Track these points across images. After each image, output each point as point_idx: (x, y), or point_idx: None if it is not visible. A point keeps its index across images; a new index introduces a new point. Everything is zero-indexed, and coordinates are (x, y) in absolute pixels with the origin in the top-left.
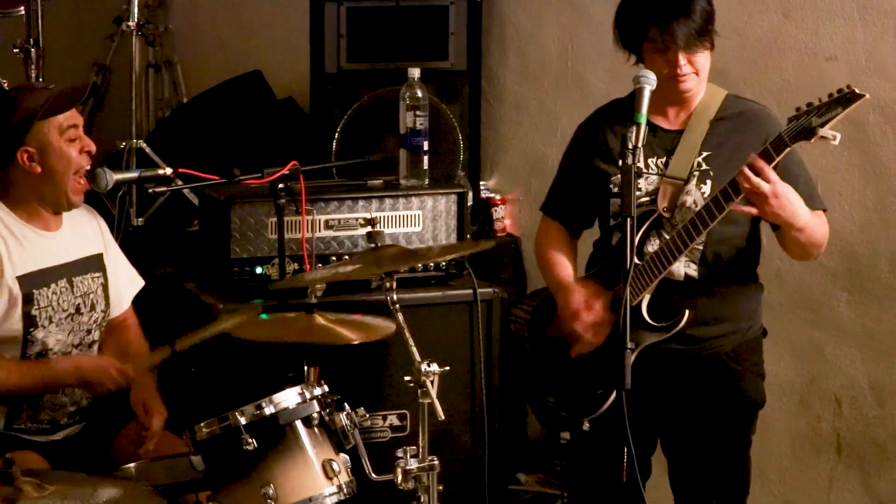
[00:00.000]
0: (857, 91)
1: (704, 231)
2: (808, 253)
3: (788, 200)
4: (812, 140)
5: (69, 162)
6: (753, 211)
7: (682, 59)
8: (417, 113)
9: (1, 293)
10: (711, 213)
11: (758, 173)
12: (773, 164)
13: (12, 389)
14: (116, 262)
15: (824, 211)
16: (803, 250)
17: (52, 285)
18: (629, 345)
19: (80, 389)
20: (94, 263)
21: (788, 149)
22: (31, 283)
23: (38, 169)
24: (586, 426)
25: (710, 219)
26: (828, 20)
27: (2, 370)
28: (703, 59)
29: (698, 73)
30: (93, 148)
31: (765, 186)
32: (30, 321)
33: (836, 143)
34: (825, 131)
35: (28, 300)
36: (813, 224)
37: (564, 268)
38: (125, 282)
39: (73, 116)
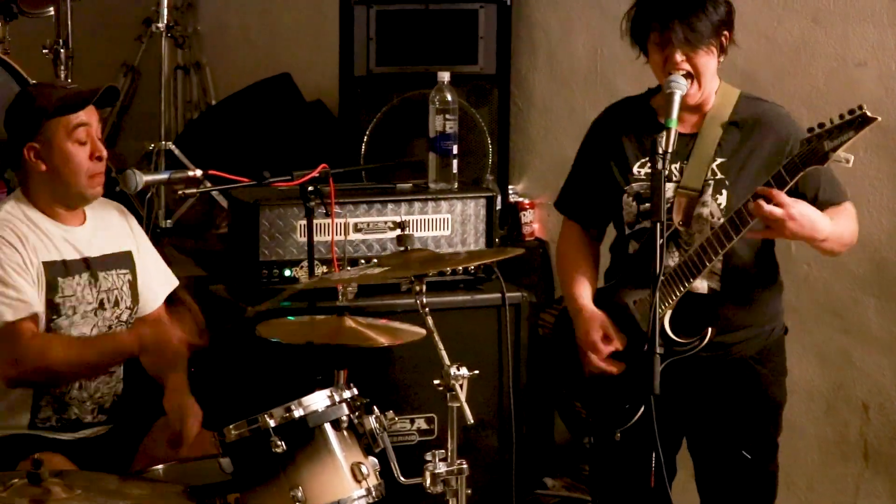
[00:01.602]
0: (868, 114)
1: (722, 252)
2: (837, 252)
3: (805, 218)
4: (825, 164)
5: (76, 164)
6: (770, 235)
7: (678, 56)
8: (447, 116)
9: (31, 272)
10: (728, 235)
11: (769, 200)
12: (786, 188)
13: (74, 364)
14: (148, 260)
15: (849, 201)
16: (832, 252)
17: (77, 276)
18: (658, 350)
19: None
20: (122, 260)
21: (802, 173)
22: (55, 271)
23: (43, 167)
24: (618, 437)
25: (726, 240)
26: (857, 25)
27: (60, 346)
28: (705, 60)
29: (699, 78)
30: (104, 153)
31: (778, 212)
32: (54, 309)
33: (850, 165)
34: (838, 155)
35: (52, 287)
36: (838, 230)
37: (584, 285)
38: (158, 281)
39: (84, 117)
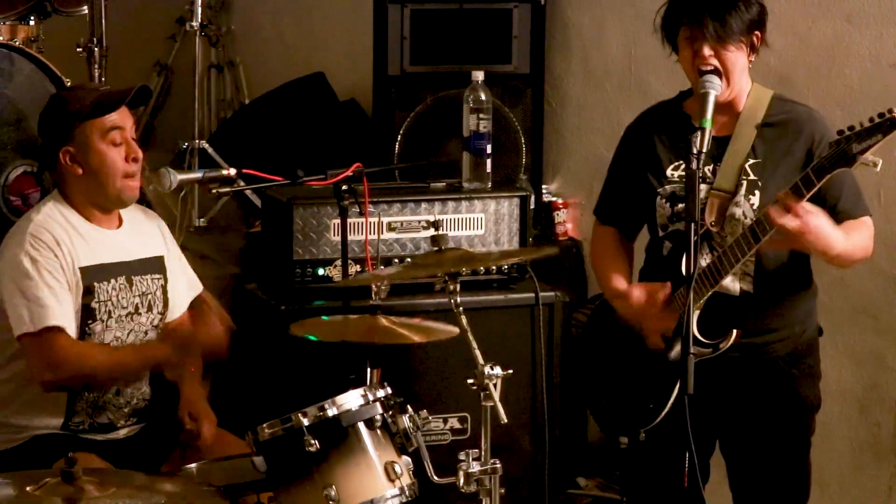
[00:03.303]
0: None
1: (745, 257)
2: (843, 266)
3: (820, 233)
4: (853, 166)
5: (111, 165)
6: (783, 245)
7: (707, 50)
8: (481, 116)
9: (67, 277)
10: (751, 240)
11: (788, 209)
12: (813, 190)
13: (112, 372)
14: (177, 265)
15: (868, 216)
16: (839, 265)
17: (112, 281)
18: (692, 350)
19: (139, 388)
20: (155, 265)
21: (829, 175)
22: (93, 275)
23: (79, 170)
24: (642, 436)
25: (747, 247)
26: (892, 26)
27: (99, 354)
28: (734, 57)
29: (728, 75)
30: (139, 154)
31: (791, 224)
32: (89, 313)
33: (878, 169)
34: (865, 157)
35: (88, 292)
36: (850, 246)
37: (619, 277)
38: (184, 286)
39: (118, 119)
